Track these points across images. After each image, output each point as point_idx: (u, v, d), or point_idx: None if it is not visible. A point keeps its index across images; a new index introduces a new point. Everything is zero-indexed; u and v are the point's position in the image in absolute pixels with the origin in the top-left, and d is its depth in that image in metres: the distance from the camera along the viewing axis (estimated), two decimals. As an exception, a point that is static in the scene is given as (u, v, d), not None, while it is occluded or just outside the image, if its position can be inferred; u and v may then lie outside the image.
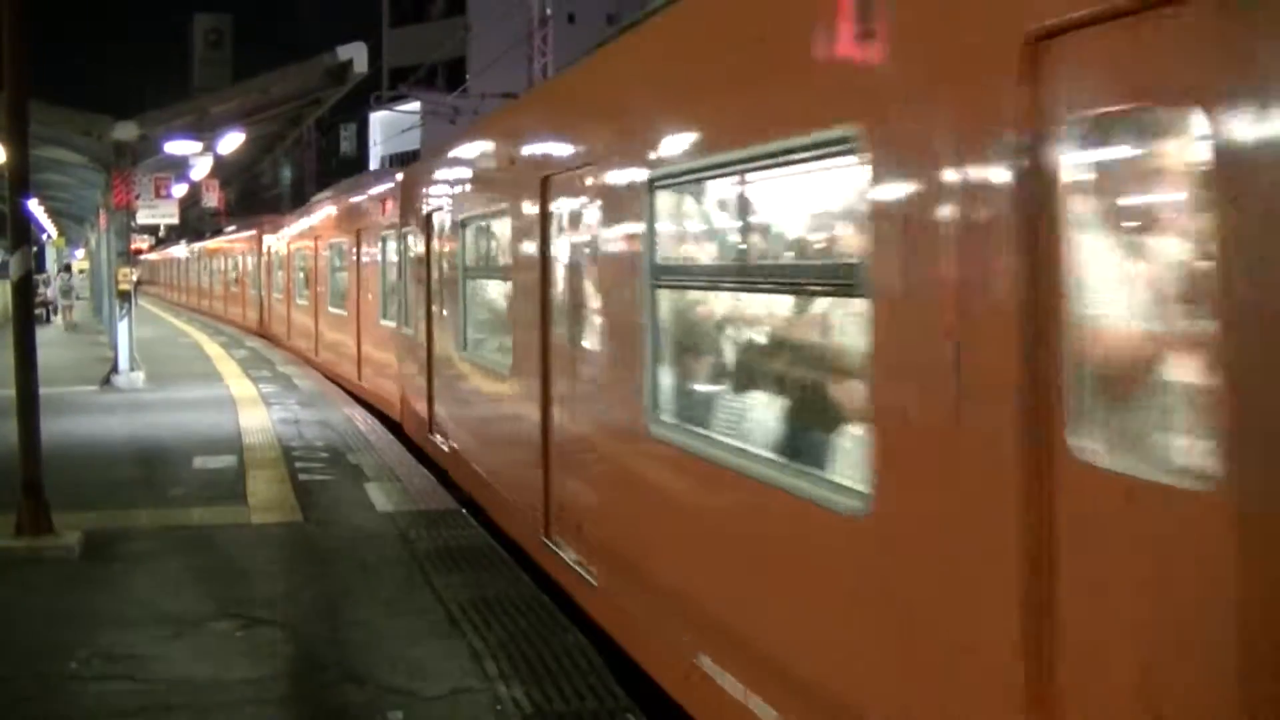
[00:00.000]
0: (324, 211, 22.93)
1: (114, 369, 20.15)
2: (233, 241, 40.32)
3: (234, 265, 39.78)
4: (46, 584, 8.06)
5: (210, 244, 47.95)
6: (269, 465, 12.21)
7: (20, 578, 8.20)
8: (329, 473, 11.90)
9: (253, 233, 34.50)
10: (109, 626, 7.08)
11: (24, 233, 9.72)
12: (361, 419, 15.63)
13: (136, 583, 8.04)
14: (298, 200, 48.58)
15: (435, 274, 12.20)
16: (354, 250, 18.65)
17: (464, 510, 10.18)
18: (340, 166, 64.84)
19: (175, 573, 8.28)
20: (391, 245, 15.74)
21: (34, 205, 32.25)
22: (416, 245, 13.24)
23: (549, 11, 32.85)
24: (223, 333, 34.29)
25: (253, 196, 68.46)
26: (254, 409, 16.59)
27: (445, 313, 11.65)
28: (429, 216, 12.50)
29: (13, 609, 7.56)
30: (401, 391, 14.58)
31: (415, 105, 41.02)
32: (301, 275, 25.67)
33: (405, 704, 5.86)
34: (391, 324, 15.58)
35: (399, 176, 15.62)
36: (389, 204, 15.69)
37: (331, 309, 21.51)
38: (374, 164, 55.96)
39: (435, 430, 12.14)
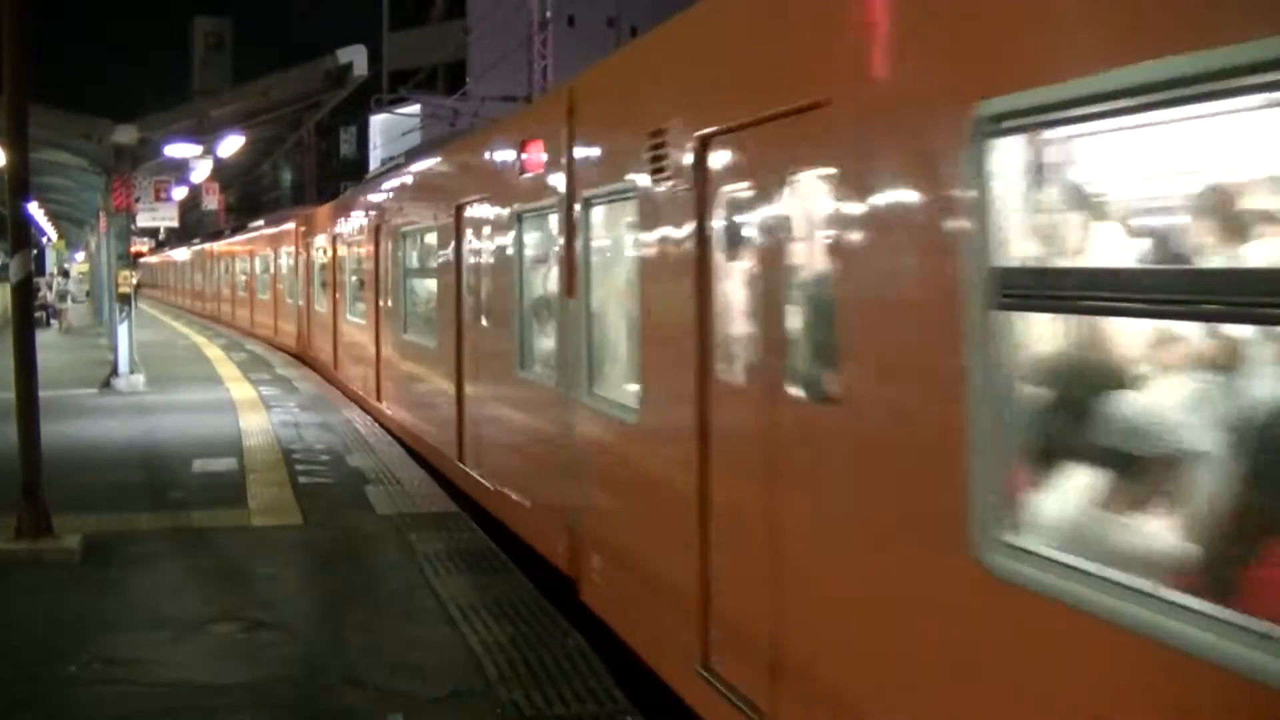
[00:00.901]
0: (394, 186, 15.53)
1: (114, 372, 20.15)
2: (261, 239, 33.24)
3: (264, 268, 32.19)
4: (46, 587, 8.05)
5: (227, 243, 41.70)
6: (269, 468, 12.21)
7: (20, 581, 8.20)
8: (329, 475, 11.89)
9: (289, 226, 27.57)
10: (109, 630, 7.08)
11: (24, 236, 9.72)
12: (361, 422, 15.62)
13: (136, 586, 8.04)
14: (298, 204, 48.32)
15: (729, 288, 5.42)
16: (453, 243, 11.27)
17: (463, 512, 10.18)
18: (340, 170, 64.93)
19: (175, 576, 8.28)
20: (535, 233, 9.13)
21: (34, 208, 32.26)
22: (638, 228, 6.42)
23: (549, 14, 32.87)
24: (222, 335, 34.27)
25: (253, 199, 68.56)
26: (254, 412, 16.58)
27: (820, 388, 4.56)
28: (707, 145, 5.48)
29: (12, 612, 7.56)
30: (567, 515, 7.69)
31: (415, 108, 41.05)
32: (355, 280, 18.58)
33: (405, 706, 5.86)
34: (545, 380, 8.46)
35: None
36: (530, 155, 8.62)
37: (409, 336, 14.03)
38: (374, 167, 55.95)
39: (738, 661, 5.15)
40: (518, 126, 9.54)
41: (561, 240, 7.88)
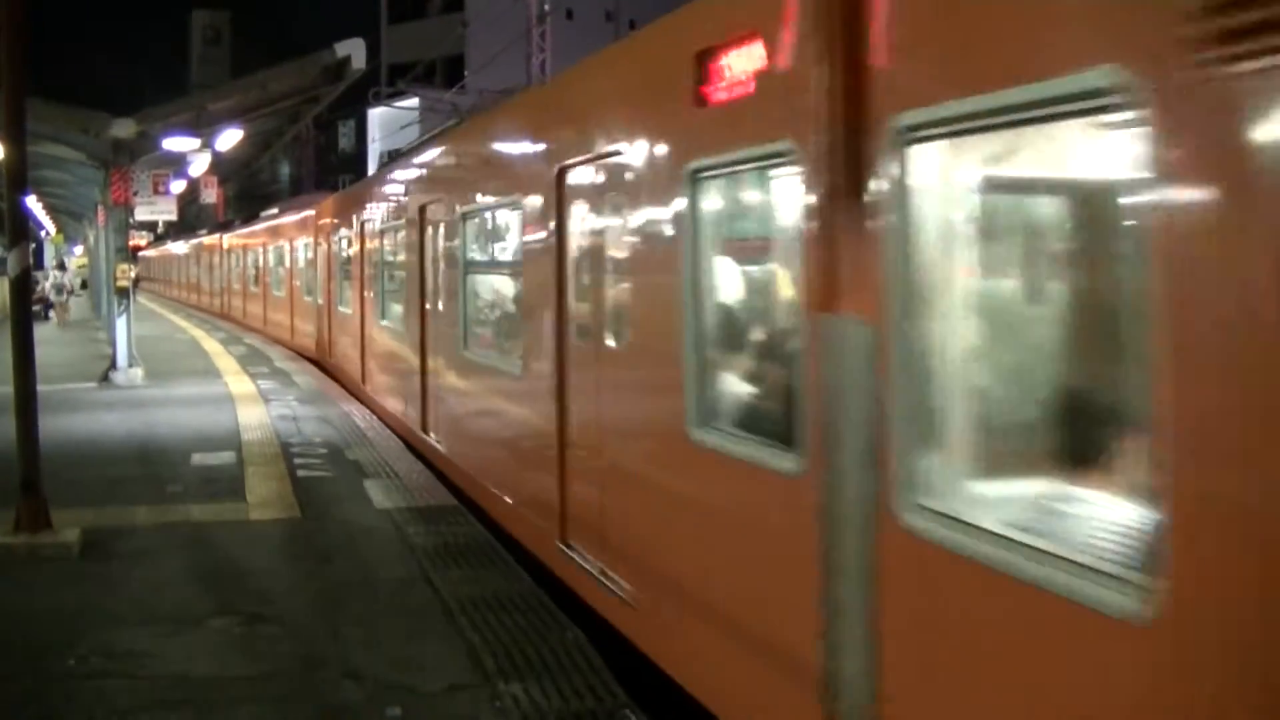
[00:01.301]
0: (448, 154, 12.09)
1: (112, 365, 20.15)
2: (272, 229, 30.33)
3: (278, 260, 29.06)
4: (45, 581, 8.05)
5: (234, 235, 38.46)
6: (267, 462, 12.20)
7: (19, 575, 8.20)
8: (327, 469, 11.89)
9: (305, 214, 24.86)
10: (107, 624, 7.08)
11: (22, 229, 9.71)
12: (360, 416, 15.60)
13: (135, 580, 8.04)
14: (297, 197, 48.08)
15: None
16: (551, 224, 7.88)
17: (461, 506, 10.19)
18: (339, 163, 64.89)
19: (174, 570, 8.28)
20: (731, 200, 5.94)
21: (32, 202, 32.22)
22: None
23: (547, 8, 32.82)
24: (220, 329, 34.24)
25: (251, 193, 68.52)
26: (252, 406, 16.58)
27: None
28: None
29: (11, 607, 7.55)
30: None
31: (414, 101, 41.02)
32: (390, 277, 15.36)
33: (403, 700, 5.86)
34: (785, 463, 4.73)
35: None
36: (725, 71, 5.29)
37: (471, 354, 10.58)
38: (372, 162, 55.88)
39: None
40: (688, 27, 5.75)
41: (815, 206, 4.40)
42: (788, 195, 4.76)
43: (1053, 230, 4.04)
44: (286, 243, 27.61)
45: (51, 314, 37.73)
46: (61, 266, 51.07)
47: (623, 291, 6.65)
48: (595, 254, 7.07)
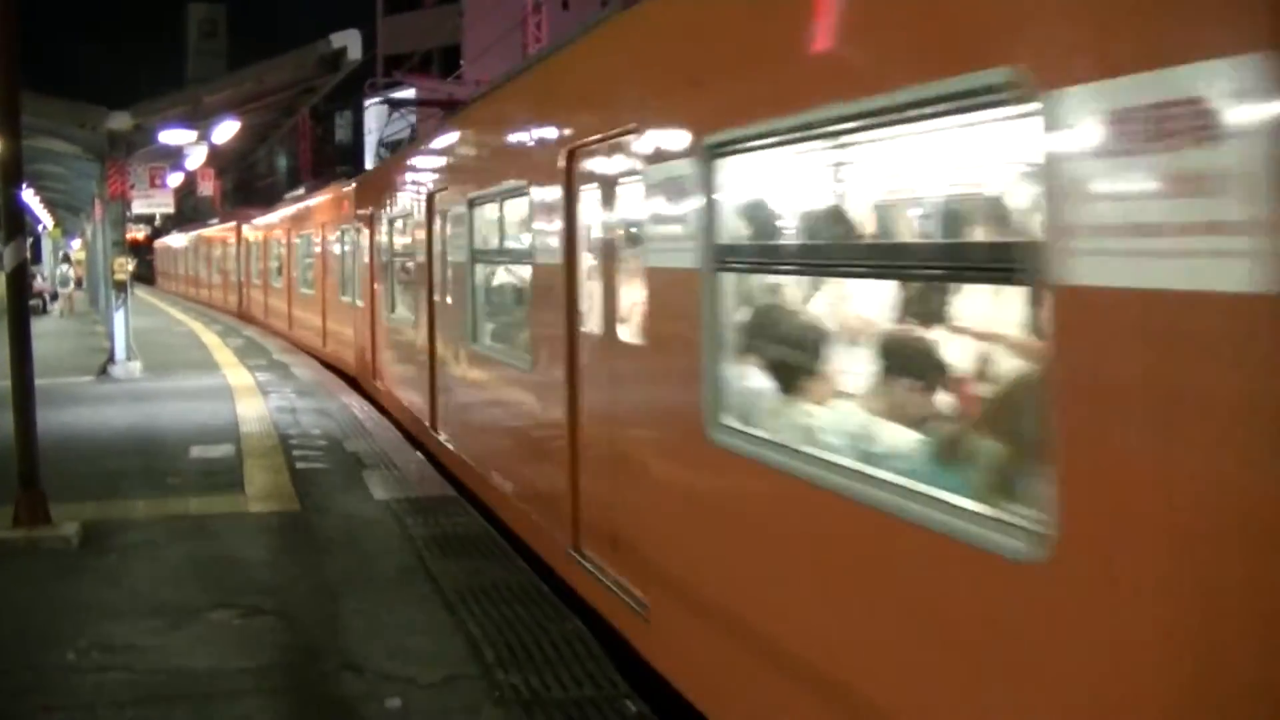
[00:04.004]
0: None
1: (110, 359, 20.13)
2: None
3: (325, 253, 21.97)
4: (44, 575, 8.05)
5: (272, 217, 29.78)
6: (266, 454, 12.20)
7: (18, 569, 8.20)
8: (326, 461, 11.89)
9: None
10: (107, 617, 7.08)
11: (18, 223, 9.69)
12: (359, 407, 15.59)
13: (134, 573, 8.04)
14: (293, 189, 47.63)
15: None
16: None
17: (460, 497, 10.19)
18: (336, 154, 64.81)
19: (173, 562, 8.28)
20: None
21: (29, 196, 32.17)
22: None
23: (543, -3, 32.77)
24: (218, 321, 34.22)
25: (248, 185, 68.47)
26: (251, 398, 16.57)
27: None
28: None
29: (10, 600, 7.56)
30: None
31: (410, 92, 40.95)
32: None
33: (403, 691, 5.86)
34: None
35: None
36: None
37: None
38: (369, 151, 55.74)
39: None
40: None
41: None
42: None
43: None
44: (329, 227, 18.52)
45: (53, 305, 37.73)
46: (67, 260, 50.80)
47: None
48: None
